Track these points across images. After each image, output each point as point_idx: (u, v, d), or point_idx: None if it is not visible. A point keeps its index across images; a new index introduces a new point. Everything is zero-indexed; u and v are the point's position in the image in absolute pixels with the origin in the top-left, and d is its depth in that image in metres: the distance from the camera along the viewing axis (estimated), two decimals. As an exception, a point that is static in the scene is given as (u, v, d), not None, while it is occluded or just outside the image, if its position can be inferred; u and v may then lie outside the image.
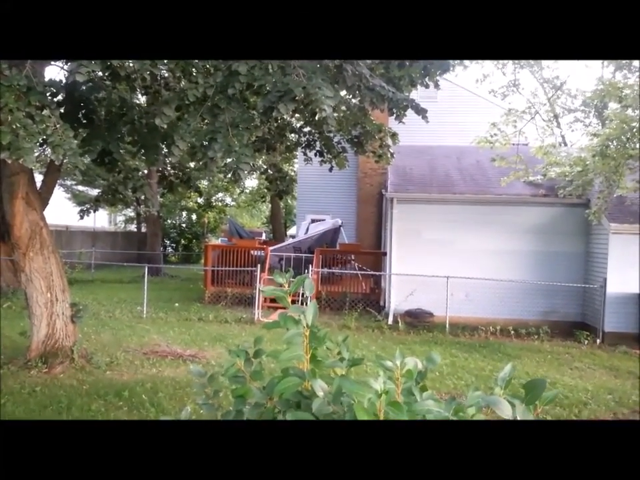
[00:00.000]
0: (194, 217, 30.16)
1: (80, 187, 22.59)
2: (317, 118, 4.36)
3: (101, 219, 28.25)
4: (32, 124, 4.42)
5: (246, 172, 4.38)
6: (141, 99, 10.17)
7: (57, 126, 4.60)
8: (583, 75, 40.58)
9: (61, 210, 19.90)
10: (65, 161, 4.97)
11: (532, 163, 11.57)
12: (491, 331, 10.72)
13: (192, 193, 23.51)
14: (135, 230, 27.22)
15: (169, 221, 28.15)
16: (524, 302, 11.60)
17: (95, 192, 22.53)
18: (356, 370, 1.51)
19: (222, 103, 4.41)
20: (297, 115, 9.59)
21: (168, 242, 28.24)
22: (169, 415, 5.48)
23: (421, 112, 6.09)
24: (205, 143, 4.48)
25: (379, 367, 1.35)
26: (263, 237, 25.96)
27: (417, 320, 11.39)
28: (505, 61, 22.99)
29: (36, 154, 5.17)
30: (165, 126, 4.70)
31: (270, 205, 27.58)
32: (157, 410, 5.74)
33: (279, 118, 8.47)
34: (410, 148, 14.24)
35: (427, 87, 7.35)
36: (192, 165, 17.65)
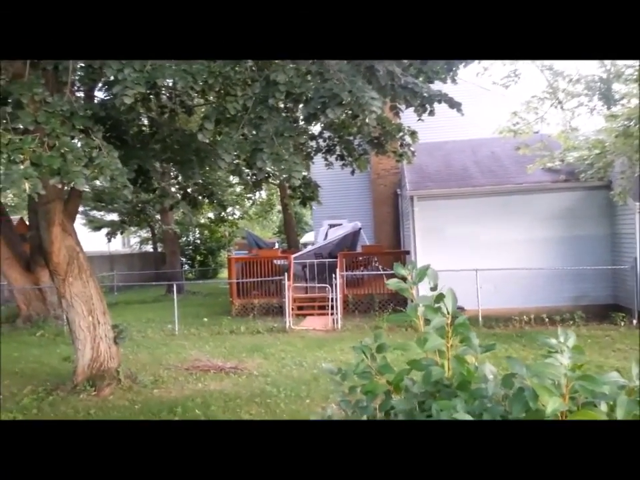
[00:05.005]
0: (206, 232, 30.19)
1: (94, 212, 22.69)
2: (366, 121, 4.35)
3: (114, 242, 28.37)
4: (78, 147, 4.47)
5: (299, 180, 4.40)
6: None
7: (102, 147, 4.65)
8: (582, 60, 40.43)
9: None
10: (107, 184, 5.01)
11: (549, 149, 11.54)
12: (525, 320, 10.67)
13: (204, 209, 23.53)
14: (151, 250, 27.29)
15: (183, 239, 28.25)
16: (554, 289, 11.54)
17: (110, 216, 22.62)
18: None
19: (264, 113, 4.43)
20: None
21: (184, 259, 28.32)
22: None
23: (455, 105, 6.07)
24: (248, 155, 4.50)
25: (543, 345, 1.36)
26: (276, 247, 25.92)
27: (448, 315, 11.32)
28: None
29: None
30: (207, 140, 4.73)
31: (281, 215, 27.58)
32: (213, 423, 5.75)
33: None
34: (423, 145, 14.18)
35: (445, 82, 7.36)
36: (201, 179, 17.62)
